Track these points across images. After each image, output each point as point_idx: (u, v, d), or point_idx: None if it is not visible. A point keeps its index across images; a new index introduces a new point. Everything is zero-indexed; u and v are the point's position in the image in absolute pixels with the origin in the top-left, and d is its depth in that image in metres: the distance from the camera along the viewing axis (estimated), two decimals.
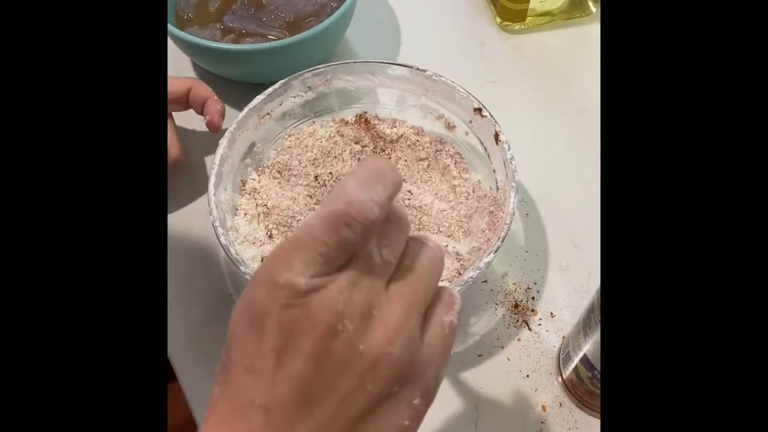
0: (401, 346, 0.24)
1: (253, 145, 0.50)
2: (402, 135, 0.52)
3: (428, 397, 0.25)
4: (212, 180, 0.45)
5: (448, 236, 0.47)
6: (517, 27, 0.63)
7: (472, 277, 0.41)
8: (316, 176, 0.50)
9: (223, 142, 0.47)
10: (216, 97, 0.52)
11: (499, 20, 0.63)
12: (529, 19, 0.62)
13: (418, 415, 0.25)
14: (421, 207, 0.49)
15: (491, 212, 0.46)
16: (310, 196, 0.49)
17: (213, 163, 0.46)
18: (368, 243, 0.24)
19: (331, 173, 0.50)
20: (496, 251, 0.42)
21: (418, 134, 0.52)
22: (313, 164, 0.50)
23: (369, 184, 0.24)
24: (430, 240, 0.27)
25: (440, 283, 0.44)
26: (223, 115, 0.52)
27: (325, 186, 0.49)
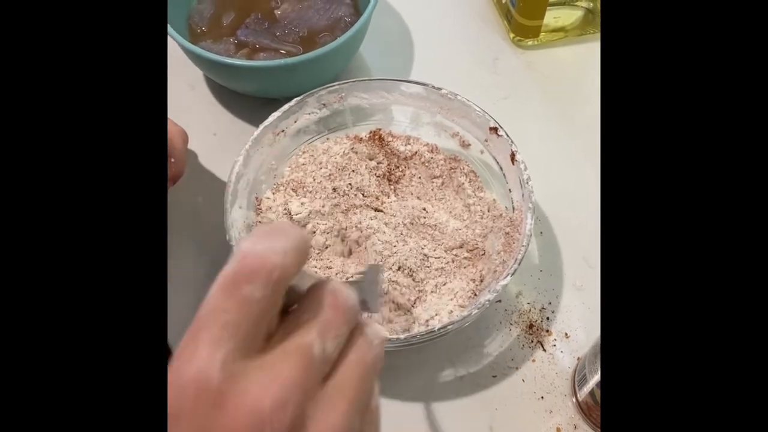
0: None
1: (267, 162, 0.50)
2: (416, 152, 0.52)
3: None
4: (228, 198, 0.45)
5: (465, 257, 0.47)
6: (530, 42, 0.63)
7: (488, 300, 0.41)
8: (335, 188, 0.49)
9: (239, 160, 0.46)
10: (173, 159, 0.46)
11: (512, 36, 0.63)
12: (542, 34, 0.62)
13: None
14: (436, 225, 0.48)
15: (507, 233, 0.46)
16: (336, 206, 0.49)
17: (229, 180, 0.46)
18: (307, 332, 0.21)
19: (350, 184, 0.49)
20: (512, 274, 0.41)
21: (432, 152, 0.52)
22: (329, 179, 0.50)
23: (265, 237, 0.21)
24: (375, 333, 0.23)
25: (455, 310, 0.44)
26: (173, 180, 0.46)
27: (347, 195, 0.49)
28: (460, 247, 0.48)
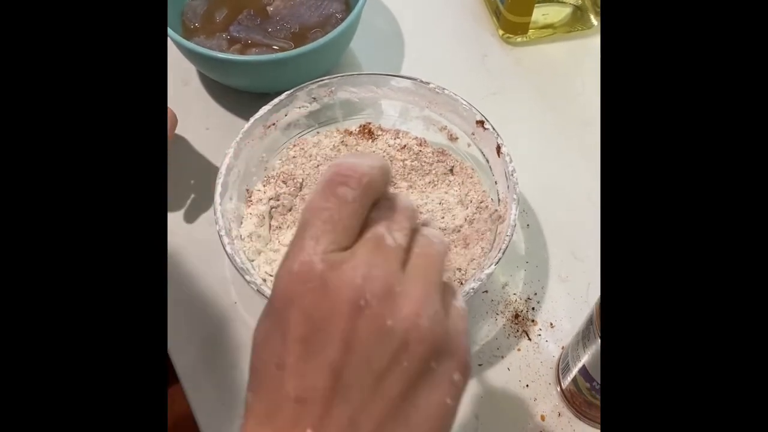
0: (429, 318, 0.23)
1: (258, 154, 0.51)
2: (405, 146, 0.53)
3: (466, 372, 0.24)
4: (218, 189, 0.46)
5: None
6: (519, 39, 0.64)
7: (473, 288, 0.42)
8: None
9: (229, 152, 0.47)
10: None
11: (501, 32, 0.64)
12: (531, 31, 0.63)
13: (459, 393, 0.24)
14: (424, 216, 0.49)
15: (492, 223, 0.47)
16: None
17: (219, 172, 0.47)
18: (377, 225, 0.24)
19: None
20: (497, 263, 0.42)
21: (420, 145, 0.53)
22: (317, 172, 0.51)
23: (354, 156, 0.25)
24: (434, 233, 0.27)
25: None
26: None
27: None
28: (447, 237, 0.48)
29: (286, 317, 0.23)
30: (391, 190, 0.27)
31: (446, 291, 0.26)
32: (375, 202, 0.25)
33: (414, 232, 0.26)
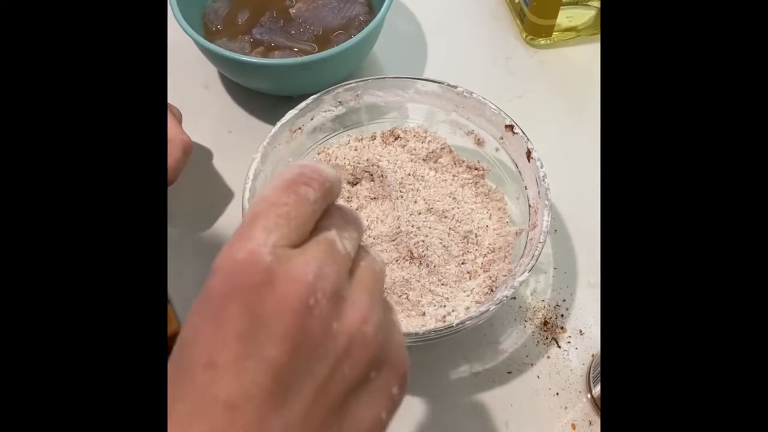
0: (374, 325, 0.22)
1: (284, 159, 0.50)
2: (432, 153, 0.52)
3: (404, 385, 0.24)
4: (246, 195, 0.45)
5: (483, 254, 0.48)
6: (543, 42, 0.63)
7: (506, 296, 0.41)
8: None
9: (256, 157, 0.47)
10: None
11: (525, 35, 0.63)
12: (555, 34, 0.62)
13: (394, 407, 0.23)
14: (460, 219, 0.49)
15: (522, 230, 0.46)
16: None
17: (246, 177, 0.46)
18: (329, 230, 0.24)
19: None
20: (530, 270, 0.42)
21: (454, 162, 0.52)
22: (352, 175, 0.51)
23: (314, 163, 0.25)
24: (377, 253, 0.26)
25: (471, 306, 0.45)
26: None
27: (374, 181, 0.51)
28: (479, 245, 0.48)
29: (224, 310, 0.21)
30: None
31: (386, 306, 0.25)
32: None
33: (360, 247, 0.25)
